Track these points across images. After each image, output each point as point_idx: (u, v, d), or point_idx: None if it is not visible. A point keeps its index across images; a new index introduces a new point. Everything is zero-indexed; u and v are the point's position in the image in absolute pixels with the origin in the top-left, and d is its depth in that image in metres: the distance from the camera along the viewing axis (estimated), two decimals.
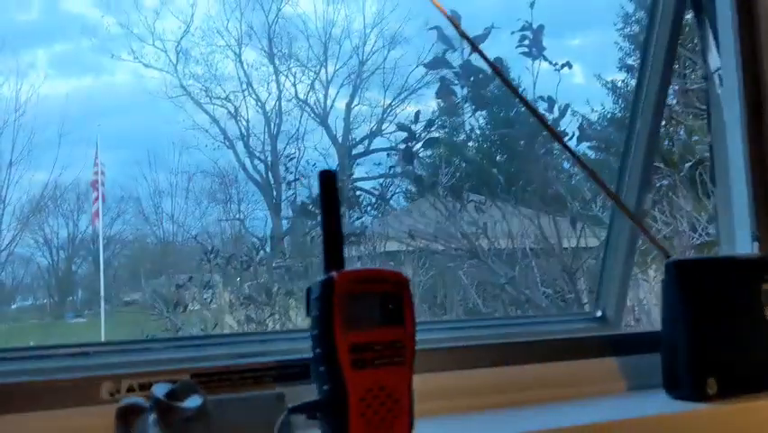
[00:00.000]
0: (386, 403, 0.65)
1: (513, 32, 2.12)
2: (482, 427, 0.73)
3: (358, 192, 2.87)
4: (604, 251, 1.21)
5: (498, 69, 0.93)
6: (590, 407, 0.81)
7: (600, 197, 2.49)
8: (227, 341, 0.86)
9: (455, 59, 1.93)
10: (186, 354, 0.82)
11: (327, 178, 0.68)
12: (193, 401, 0.65)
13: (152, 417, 0.60)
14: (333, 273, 0.66)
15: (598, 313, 1.20)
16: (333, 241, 0.68)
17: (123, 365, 0.74)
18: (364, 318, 0.65)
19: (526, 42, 2.13)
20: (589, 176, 0.98)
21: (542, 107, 2.13)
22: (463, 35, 0.97)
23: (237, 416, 0.71)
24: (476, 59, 1.89)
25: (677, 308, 0.82)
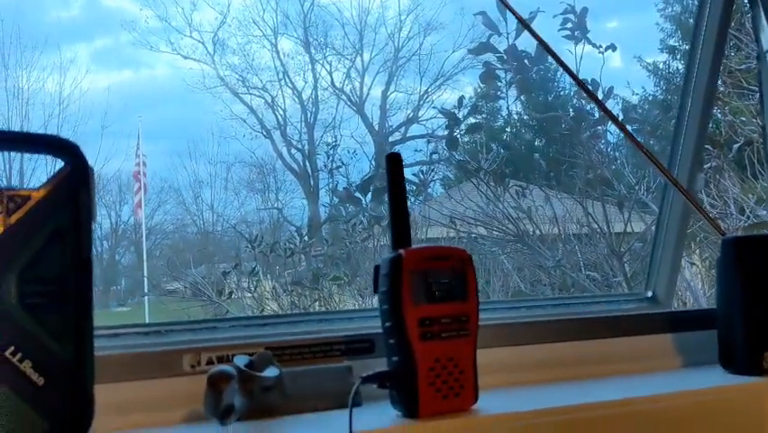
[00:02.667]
0: (453, 373, 0.69)
1: (555, 16, 2.13)
2: (544, 398, 0.77)
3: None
4: (655, 231, 1.23)
5: (550, 48, 0.96)
6: (648, 380, 0.84)
7: (645, 181, 2.48)
8: (294, 320, 0.91)
9: (500, 43, 1.94)
10: (251, 333, 0.87)
11: (394, 160, 0.72)
12: (271, 372, 0.70)
13: (236, 384, 0.65)
14: (401, 251, 0.70)
15: (649, 294, 1.22)
16: (400, 220, 0.72)
17: (198, 342, 0.80)
18: (431, 293, 0.70)
19: (569, 26, 2.13)
20: (646, 156, 0.99)
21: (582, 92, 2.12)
22: (515, 15, 0.99)
23: (309, 386, 0.76)
24: (521, 44, 1.91)
25: (733, 285, 0.84)
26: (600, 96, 2.13)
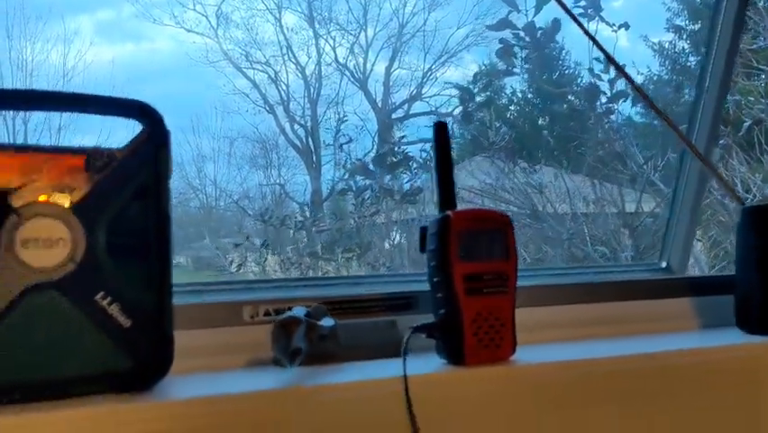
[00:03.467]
0: (494, 326, 0.76)
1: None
2: (574, 351, 0.84)
3: (410, 154, 2.95)
4: (671, 202, 1.29)
5: (578, 19, 1.01)
6: (670, 339, 0.91)
7: (652, 161, 2.54)
8: (334, 283, 0.98)
9: (518, 19, 1.99)
10: (290, 294, 0.94)
11: (440, 128, 0.78)
12: (327, 322, 0.77)
13: (303, 329, 0.72)
14: (449, 212, 0.76)
15: (663, 264, 1.29)
16: (447, 184, 0.78)
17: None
18: (474, 252, 0.76)
19: (582, 3, 2.18)
20: (667, 123, 1.05)
21: (597, 69, 2.19)
22: None
23: (358, 337, 0.82)
24: (539, 20, 1.96)
25: (751, 250, 0.91)
26: (612, 74, 2.19)
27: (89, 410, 0.61)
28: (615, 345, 0.88)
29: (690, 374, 0.82)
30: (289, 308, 0.80)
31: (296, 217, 2.93)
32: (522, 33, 2.08)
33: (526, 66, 2.29)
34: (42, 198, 0.64)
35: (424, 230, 0.78)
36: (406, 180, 2.80)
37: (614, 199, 2.40)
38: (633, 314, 0.97)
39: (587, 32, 1.00)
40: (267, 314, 0.82)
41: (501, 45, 2.16)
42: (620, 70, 1.03)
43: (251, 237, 2.98)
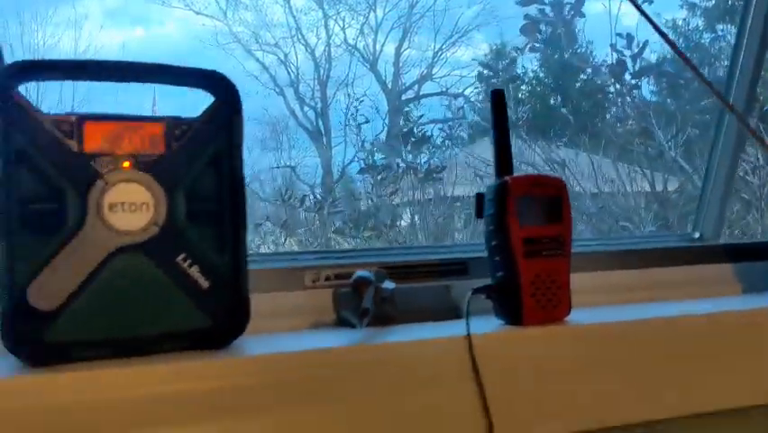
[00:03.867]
0: (550, 288, 0.79)
1: None
2: (624, 313, 0.87)
3: (428, 133, 2.97)
4: (705, 172, 1.32)
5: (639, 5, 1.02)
6: (714, 302, 0.94)
7: (674, 140, 2.55)
8: (387, 252, 1.01)
9: None
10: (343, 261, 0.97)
11: (498, 96, 0.81)
12: (388, 285, 0.80)
13: (373, 291, 0.75)
14: (507, 178, 0.79)
15: (696, 234, 1.32)
16: (504, 151, 0.81)
17: None
18: (532, 216, 0.79)
19: None
20: (706, 84, 1.07)
21: (620, 44, 2.20)
22: None
23: (415, 300, 0.86)
24: None
25: None
26: (635, 50, 2.20)
27: (172, 366, 0.65)
28: (663, 307, 0.91)
29: (736, 335, 0.85)
30: (349, 274, 0.83)
31: (315, 198, 2.96)
32: (548, 9, 2.10)
33: (544, 44, 2.31)
34: (126, 164, 0.67)
35: (481, 196, 0.81)
36: (425, 159, 2.82)
37: (634, 178, 2.43)
38: (675, 279, 1.01)
39: (639, 9, 1.02)
40: (327, 279, 0.85)
41: (527, 21, 2.17)
42: (666, 39, 1.05)
43: (270, 218, 3.01)
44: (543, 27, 2.21)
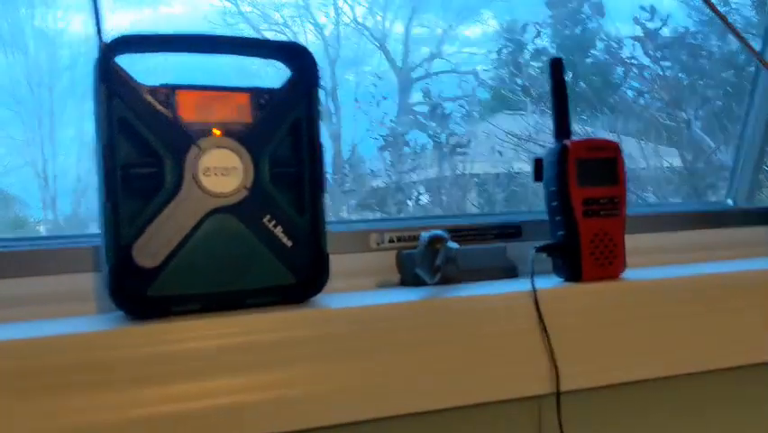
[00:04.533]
0: (608, 246, 0.84)
1: None
2: (677, 270, 0.92)
3: (447, 110, 3.01)
4: (738, 139, 1.36)
5: None
6: (758, 262, 0.99)
7: (695, 113, 2.57)
8: (443, 217, 1.06)
9: None
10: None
11: (556, 64, 0.85)
12: (452, 245, 0.85)
13: (445, 249, 0.80)
14: (566, 141, 0.84)
15: (729, 201, 1.36)
16: (563, 116, 0.85)
17: None
18: (590, 178, 0.84)
19: None
20: (736, 36, 1.11)
21: (643, 17, 2.22)
22: None
23: (475, 261, 0.91)
24: None
25: None
26: (659, 23, 2.23)
27: (263, 316, 0.70)
28: (709, 266, 0.96)
29: None
30: (411, 237, 0.88)
31: (336, 176, 3.01)
32: None
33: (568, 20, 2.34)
34: (217, 132, 0.71)
35: (539, 161, 0.86)
36: (448, 134, 2.86)
37: (656, 151, 2.46)
38: (718, 241, 1.06)
39: None
40: (391, 240, 0.90)
41: None
42: (726, 22, 1.09)
43: None
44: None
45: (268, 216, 0.73)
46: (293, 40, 0.76)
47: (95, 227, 0.80)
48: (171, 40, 0.73)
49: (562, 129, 0.85)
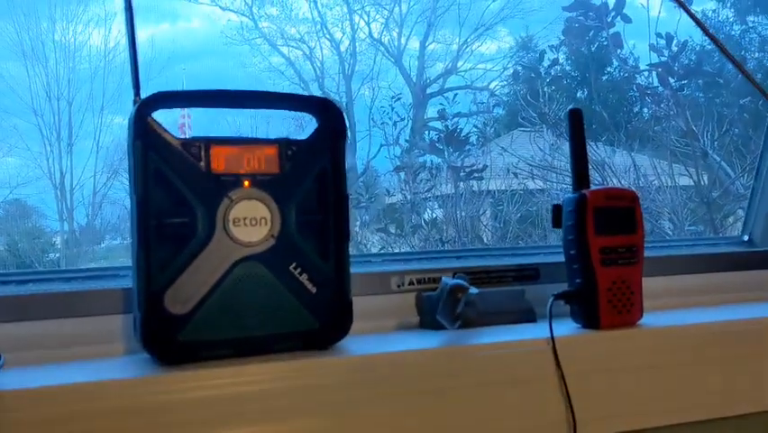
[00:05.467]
0: (626, 294, 0.86)
1: None
2: (692, 316, 0.94)
3: (463, 132, 3.04)
4: (755, 174, 1.37)
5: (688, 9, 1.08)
6: (757, 308, 1.01)
7: (711, 139, 2.58)
8: (456, 255, 1.08)
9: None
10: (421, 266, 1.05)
11: (575, 114, 0.88)
12: (472, 290, 0.88)
13: (465, 296, 0.83)
14: (585, 191, 0.86)
15: (745, 237, 1.38)
16: (581, 166, 0.88)
17: None
18: (608, 226, 0.86)
19: None
20: (751, 81, 1.13)
21: (660, 44, 2.25)
22: None
23: (493, 304, 0.93)
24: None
25: None
26: (674, 49, 2.25)
27: (287, 364, 0.73)
28: (725, 311, 0.98)
29: None
30: (431, 279, 0.91)
31: (353, 195, 3.04)
32: (592, 13, 2.16)
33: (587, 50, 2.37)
34: (247, 183, 0.74)
35: (558, 208, 0.88)
36: (464, 158, 2.88)
37: (672, 175, 2.48)
38: (731, 284, 1.07)
39: (683, 6, 1.07)
40: (411, 283, 0.93)
41: (570, 24, 2.24)
42: (716, 42, 1.11)
43: None
44: (587, 31, 2.27)
45: (294, 264, 0.76)
46: (323, 96, 0.79)
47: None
48: (204, 96, 0.76)
49: (580, 178, 0.87)
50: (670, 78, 2.25)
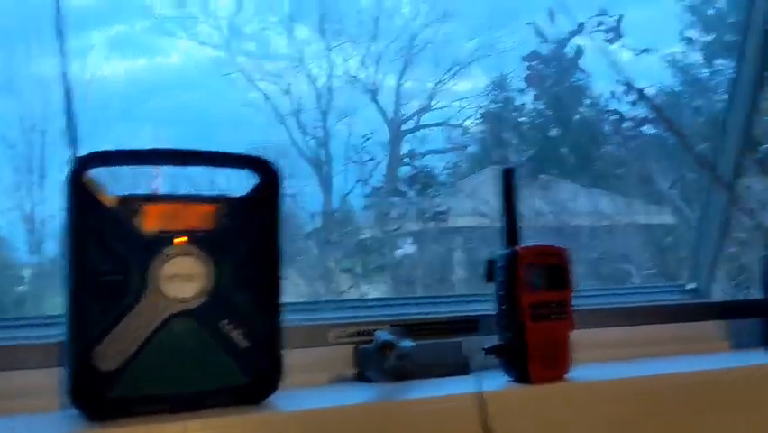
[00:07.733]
0: (555, 348, 0.90)
1: (590, 18, 2.30)
2: (619, 370, 0.98)
3: (426, 169, 3.08)
4: (698, 225, 1.43)
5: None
6: (703, 359, 1.05)
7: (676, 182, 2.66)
8: (397, 303, 1.12)
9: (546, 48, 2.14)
10: (360, 313, 1.08)
11: (508, 173, 0.92)
12: (407, 343, 0.91)
13: (395, 352, 0.85)
14: (517, 248, 0.90)
15: (690, 286, 1.43)
16: (512, 223, 0.92)
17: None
18: (539, 283, 0.90)
19: (603, 28, 2.31)
20: (697, 162, 1.19)
21: (620, 91, 2.32)
22: None
23: (429, 357, 0.96)
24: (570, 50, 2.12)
25: None
26: (637, 96, 2.33)
27: (216, 421, 0.75)
28: (655, 365, 1.02)
29: (725, 392, 0.96)
30: (369, 331, 0.94)
31: (314, 226, 3.07)
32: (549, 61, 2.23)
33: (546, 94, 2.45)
34: (181, 240, 0.77)
35: (491, 263, 0.92)
36: (430, 200, 2.93)
37: (630, 214, 2.55)
38: (667, 335, 1.12)
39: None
40: (350, 335, 0.96)
41: (530, 72, 2.31)
42: (659, 113, 1.17)
43: None
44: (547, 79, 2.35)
45: (226, 320, 0.79)
46: (258, 156, 0.83)
47: None
48: (142, 155, 0.79)
49: (511, 235, 0.92)
50: (629, 123, 2.33)
